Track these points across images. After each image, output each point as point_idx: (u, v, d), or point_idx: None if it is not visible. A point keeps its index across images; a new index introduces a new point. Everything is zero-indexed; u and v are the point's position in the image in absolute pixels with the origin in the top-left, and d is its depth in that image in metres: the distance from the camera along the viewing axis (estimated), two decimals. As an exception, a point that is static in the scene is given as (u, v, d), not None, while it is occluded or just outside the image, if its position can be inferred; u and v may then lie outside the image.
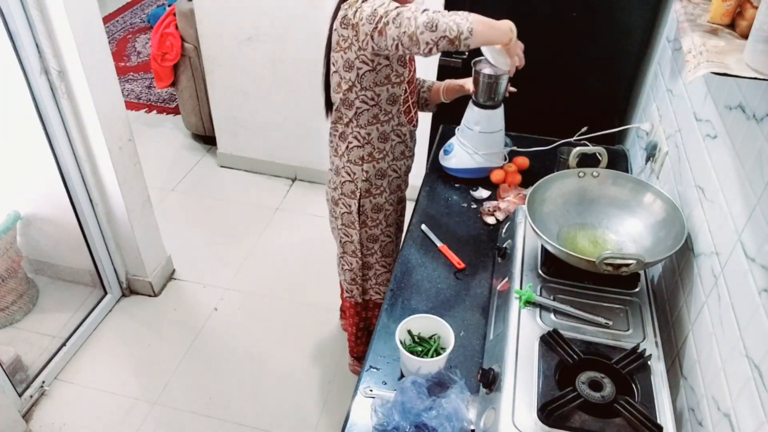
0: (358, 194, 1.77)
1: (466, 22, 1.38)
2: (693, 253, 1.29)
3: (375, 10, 1.44)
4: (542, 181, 1.46)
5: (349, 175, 1.76)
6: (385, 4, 1.44)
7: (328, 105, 1.74)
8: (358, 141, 1.70)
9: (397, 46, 1.42)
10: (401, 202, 1.92)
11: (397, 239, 1.97)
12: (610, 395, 1.07)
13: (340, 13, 1.53)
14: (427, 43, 1.39)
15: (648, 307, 1.29)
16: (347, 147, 1.73)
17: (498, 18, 2.06)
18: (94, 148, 2.25)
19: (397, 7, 1.43)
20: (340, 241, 1.92)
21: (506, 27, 1.49)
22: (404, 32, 1.39)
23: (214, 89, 3.19)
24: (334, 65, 1.61)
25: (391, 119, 1.68)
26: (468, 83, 1.78)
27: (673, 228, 1.33)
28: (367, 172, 1.74)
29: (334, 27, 1.57)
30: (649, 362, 1.16)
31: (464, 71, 2.08)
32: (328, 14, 1.60)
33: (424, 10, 1.41)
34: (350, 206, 1.80)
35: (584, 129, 1.87)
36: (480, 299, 1.48)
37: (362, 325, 2.12)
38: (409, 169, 1.86)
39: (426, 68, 2.63)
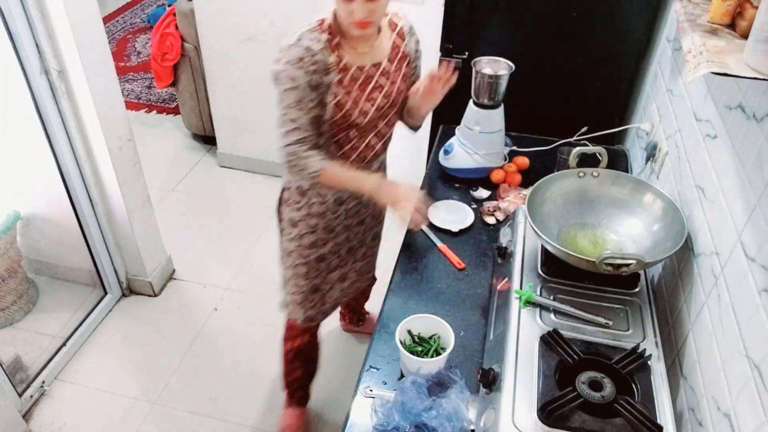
0: (278, 197, 1.71)
1: (312, 169, 1.45)
2: (693, 253, 1.29)
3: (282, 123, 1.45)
4: (542, 181, 1.46)
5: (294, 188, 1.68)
6: (290, 131, 1.44)
7: None
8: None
9: None
10: (330, 231, 1.72)
11: (325, 273, 1.80)
12: (610, 395, 1.07)
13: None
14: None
15: (648, 307, 1.29)
16: None
17: (501, 19, 2.05)
18: (94, 148, 2.25)
19: (293, 142, 1.44)
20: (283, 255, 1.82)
21: (360, 183, 1.50)
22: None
23: (214, 89, 3.19)
24: None
25: (324, 152, 1.56)
26: (418, 84, 1.59)
27: (673, 228, 1.33)
28: (288, 180, 1.66)
29: None
30: (649, 362, 1.16)
31: (464, 71, 2.08)
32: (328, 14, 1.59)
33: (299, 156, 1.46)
34: (291, 218, 1.71)
35: (584, 129, 1.87)
36: (480, 299, 1.48)
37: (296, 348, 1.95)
38: (341, 201, 1.66)
39: (426, 67, 2.63)
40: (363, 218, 1.77)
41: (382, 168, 1.75)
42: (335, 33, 1.43)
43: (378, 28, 1.48)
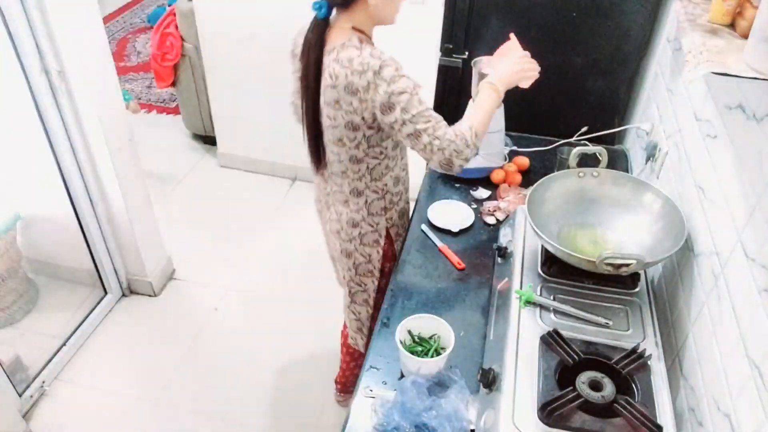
0: (382, 242, 1.67)
1: (468, 135, 1.39)
2: (693, 253, 1.29)
3: (416, 131, 1.37)
4: (542, 181, 1.46)
5: (372, 226, 1.65)
6: (426, 124, 1.36)
7: (318, 155, 1.58)
8: (377, 194, 1.61)
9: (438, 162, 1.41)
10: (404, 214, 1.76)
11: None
12: (610, 395, 1.07)
13: (339, 70, 1.37)
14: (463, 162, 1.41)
15: (648, 307, 1.29)
16: (366, 201, 1.62)
17: (501, 19, 2.05)
18: (94, 148, 2.25)
19: (435, 131, 1.37)
20: (350, 291, 1.79)
21: (496, 95, 1.46)
22: (445, 160, 1.39)
23: (214, 89, 3.19)
24: (330, 119, 1.46)
25: (399, 161, 1.60)
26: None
27: (673, 228, 1.33)
28: (391, 218, 1.66)
29: (330, 73, 1.40)
30: (649, 362, 1.16)
31: (464, 71, 2.08)
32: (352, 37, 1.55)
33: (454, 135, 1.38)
34: (370, 256, 1.69)
35: (584, 129, 1.87)
36: (480, 299, 1.48)
37: (357, 371, 1.97)
38: (398, 179, 1.67)
39: (426, 67, 2.63)
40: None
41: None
42: (370, 45, 1.43)
43: None
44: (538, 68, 1.50)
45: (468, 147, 1.39)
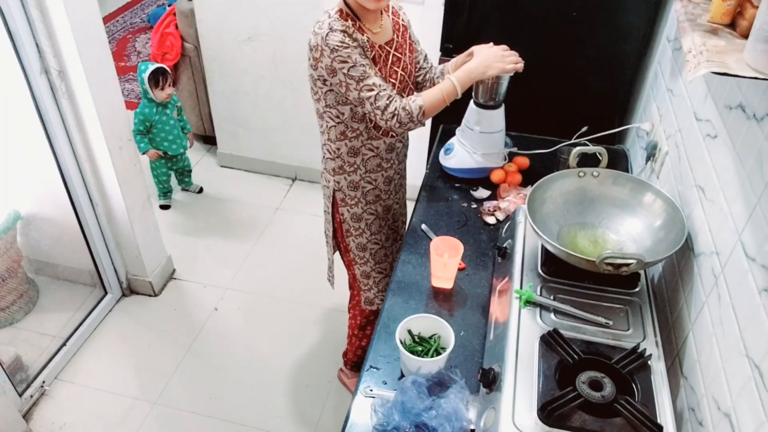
0: (331, 200, 1.80)
1: (417, 112, 1.54)
2: (693, 252, 1.29)
3: (360, 98, 1.52)
4: (542, 181, 1.46)
5: (326, 181, 1.80)
6: (369, 92, 1.50)
7: None
8: (330, 154, 1.73)
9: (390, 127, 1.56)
10: (389, 210, 1.89)
11: (391, 246, 1.96)
12: (610, 395, 1.07)
13: (311, 29, 1.53)
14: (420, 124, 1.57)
15: (648, 306, 1.29)
16: (323, 156, 1.76)
17: (501, 19, 2.05)
18: (94, 148, 2.25)
19: (386, 105, 1.51)
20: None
21: (453, 89, 1.56)
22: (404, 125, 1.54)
23: (214, 89, 3.19)
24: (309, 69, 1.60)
25: (360, 135, 1.67)
26: (473, 49, 1.66)
27: (673, 228, 1.33)
28: (338, 182, 1.76)
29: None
30: (649, 362, 1.16)
31: (464, 71, 2.08)
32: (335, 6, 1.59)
33: (406, 103, 1.53)
34: (329, 207, 1.85)
35: (584, 129, 1.86)
36: (480, 299, 1.48)
37: (360, 334, 2.10)
38: (389, 180, 1.82)
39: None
40: (401, 152, 1.84)
41: (406, 137, 1.84)
42: (352, 18, 1.53)
43: (387, 4, 1.61)
44: (518, 59, 1.59)
45: (412, 122, 1.54)
